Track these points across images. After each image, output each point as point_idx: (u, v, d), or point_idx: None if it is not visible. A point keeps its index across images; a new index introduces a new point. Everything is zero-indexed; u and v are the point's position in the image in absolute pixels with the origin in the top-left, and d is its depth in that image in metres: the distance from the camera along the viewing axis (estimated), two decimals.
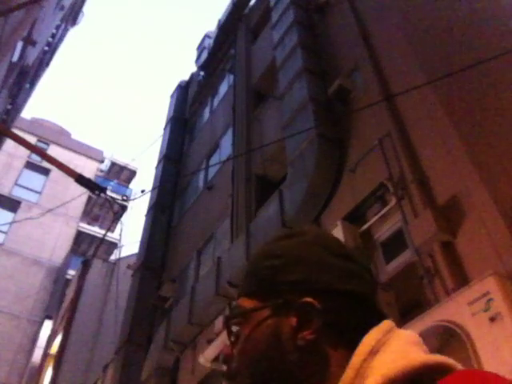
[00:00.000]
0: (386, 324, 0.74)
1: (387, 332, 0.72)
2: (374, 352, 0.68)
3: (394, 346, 0.69)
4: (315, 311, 0.74)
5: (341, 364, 0.69)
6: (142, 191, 8.40)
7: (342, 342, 0.73)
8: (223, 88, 14.72)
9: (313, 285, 0.77)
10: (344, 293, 0.77)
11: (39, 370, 19.08)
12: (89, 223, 28.89)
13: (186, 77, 18.65)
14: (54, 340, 18.86)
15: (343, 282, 0.78)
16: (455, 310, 3.89)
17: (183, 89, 18.01)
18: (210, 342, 7.82)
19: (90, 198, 25.44)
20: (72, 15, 21.97)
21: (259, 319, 0.77)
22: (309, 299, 0.75)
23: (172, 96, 18.03)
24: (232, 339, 0.81)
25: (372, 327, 0.73)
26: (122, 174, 32.69)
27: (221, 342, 7.09)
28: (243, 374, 0.76)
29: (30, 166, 26.71)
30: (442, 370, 0.65)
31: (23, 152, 24.60)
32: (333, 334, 0.74)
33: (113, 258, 23.62)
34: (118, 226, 21.61)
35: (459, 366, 0.67)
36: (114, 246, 25.53)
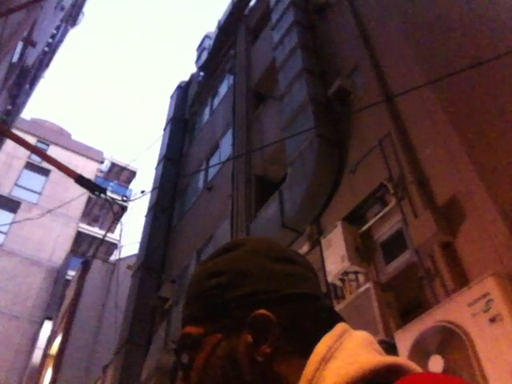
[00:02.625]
0: (339, 328, 0.72)
1: (339, 337, 0.70)
2: (325, 360, 0.66)
3: (346, 351, 0.67)
4: (270, 322, 0.71)
5: (299, 374, 0.66)
6: (142, 192, 8.40)
7: (299, 350, 0.71)
8: (223, 88, 14.72)
9: (262, 296, 0.74)
10: (294, 297, 0.75)
11: (39, 371, 19.07)
12: (89, 224, 28.87)
13: (186, 77, 18.67)
14: (53, 341, 18.85)
15: (291, 287, 0.76)
16: (455, 310, 3.89)
17: (183, 89, 18.00)
18: None
19: (89, 198, 25.45)
20: (72, 16, 21.97)
21: (212, 344, 0.72)
22: (261, 311, 0.72)
23: (172, 97, 18.03)
24: (184, 372, 0.76)
25: (327, 331, 0.71)
26: (121, 174, 32.68)
27: None
28: None
29: (29, 166, 26.71)
30: (395, 371, 0.63)
31: (23, 152, 24.60)
32: (289, 343, 0.71)
33: (113, 258, 23.60)
34: (118, 227, 21.63)
35: (413, 367, 0.66)
36: (113, 246, 25.54)
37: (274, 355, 0.70)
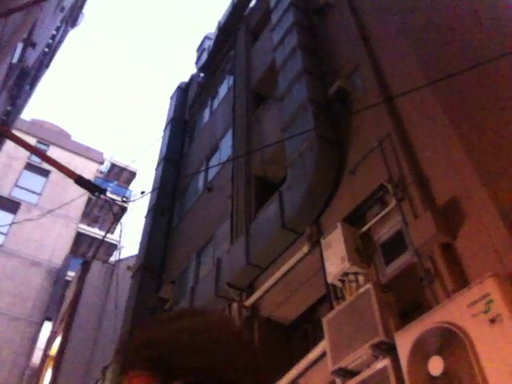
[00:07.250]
0: None
1: None
2: None
3: None
4: None
5: None
6: (142, 192, 8.39)
7: None
8: (223, 89, 14.72)
9: (199, 375, 0.80)
10: (218, 376, 0.81)
11: (39, 372, 19.05)
12: (88, 224, 28.86)
13: (186, 78, 18.67)
14: (53, 341, 18.82)
15: (221, 372, 0.82)
16: (455, 311, 3.88)
17: (183, 90, 18.01)
18: None
19: (89, 199, 25.44)
20: (72, 16, 21.97)
21: None
22: None
23: (172, 97, 18.03)
24: None
25: None
26: (121, 175, 32.67)
27: None
28: None
29: (29, 167, 26.68)
30: None
31: (23, 153, 24.59)
32: None
33: (112, 259, 23.59)
34: (118, 228, 21.63)
35: None
36: (113, 247, 25.53)
37: None
